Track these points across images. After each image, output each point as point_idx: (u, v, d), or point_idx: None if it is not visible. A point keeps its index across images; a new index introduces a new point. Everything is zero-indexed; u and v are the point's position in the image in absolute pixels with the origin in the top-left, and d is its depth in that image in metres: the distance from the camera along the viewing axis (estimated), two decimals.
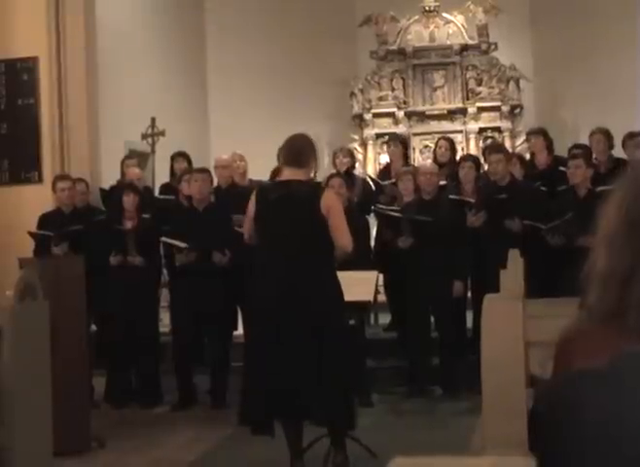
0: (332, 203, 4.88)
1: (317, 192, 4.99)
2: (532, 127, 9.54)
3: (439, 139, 9.72)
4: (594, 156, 8.03)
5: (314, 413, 4.80)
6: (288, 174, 5.00)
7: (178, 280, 7.33)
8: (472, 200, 7.37)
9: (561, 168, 7.60)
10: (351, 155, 9.28)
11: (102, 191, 8.84)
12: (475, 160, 8.34)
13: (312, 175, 5.65)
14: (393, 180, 8.50)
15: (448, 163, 8.89)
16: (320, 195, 4.90)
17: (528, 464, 1.13)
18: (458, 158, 9.33)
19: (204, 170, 7.54)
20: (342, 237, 4.86)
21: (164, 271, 7.84)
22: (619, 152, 8.21)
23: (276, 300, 4.80)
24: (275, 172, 7.90)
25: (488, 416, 1.52)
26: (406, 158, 9.38)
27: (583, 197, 6.91)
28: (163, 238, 7.19)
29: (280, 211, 4.87)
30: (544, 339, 2.01)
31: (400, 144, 9.29)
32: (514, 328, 1.58)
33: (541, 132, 8.67)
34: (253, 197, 5.07)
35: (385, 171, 9.53)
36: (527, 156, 9.01)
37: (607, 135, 8.25)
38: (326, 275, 4.88)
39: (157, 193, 9.05)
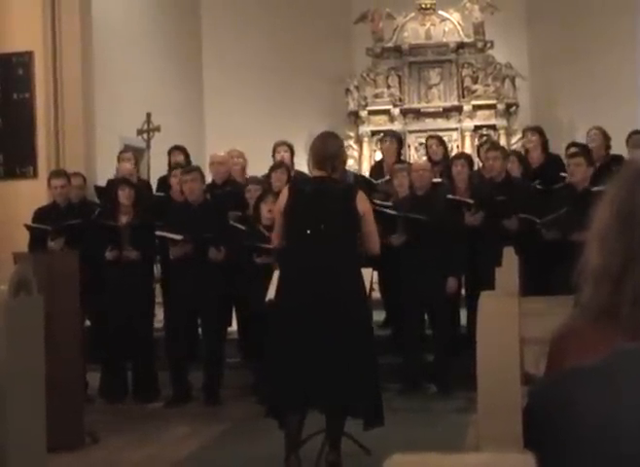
0: (366, 208, 5.05)
1: (352, 190, 5.14)
2: (529, 125, 9.56)
3: (427, 138, 9.70)
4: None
5: (351, 408, 4.89)
6: (319, 173, 5.05)
7: (173, 276, 7.31)
8: (471, 201, 7.36)
9: (562, 174, 7.59)
10: None
11: (97, 188, 8.80)
12: (467, 158, 8.34)
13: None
14: (387, 177, 8.47)
15: (442, 160, 8.89)
16: (355, 194, 5.03)
17: (527, 460, 1.13)
18: (452, 155, 9.33)
19: (192, 170, 7.46)
20: (375, 243, 5.08)
21: (157, 267, 7.83)
22: (615, 150, 8.23)
23: (308, 288, 4.85)
24: (273, 168, 7.90)
25: (483, 414, 1.52)
26: (399, 155, 9.34)
27: (580, 194, 6.85)
28: (158, 232, 7.17)
29: (315, 204, 4.94)
30: (539, 336, 2.01)
31: (395, 141, 9.25)
32: (509, 325, 1.58)
33: (537, 130, 8.69)
34: (285, 192, 5.12)
35: (378, 168, 9.50)
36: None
37: (604, 134, 8.33)
38: (352, 269, 4.96)
39: (153, 187, 9.02)
